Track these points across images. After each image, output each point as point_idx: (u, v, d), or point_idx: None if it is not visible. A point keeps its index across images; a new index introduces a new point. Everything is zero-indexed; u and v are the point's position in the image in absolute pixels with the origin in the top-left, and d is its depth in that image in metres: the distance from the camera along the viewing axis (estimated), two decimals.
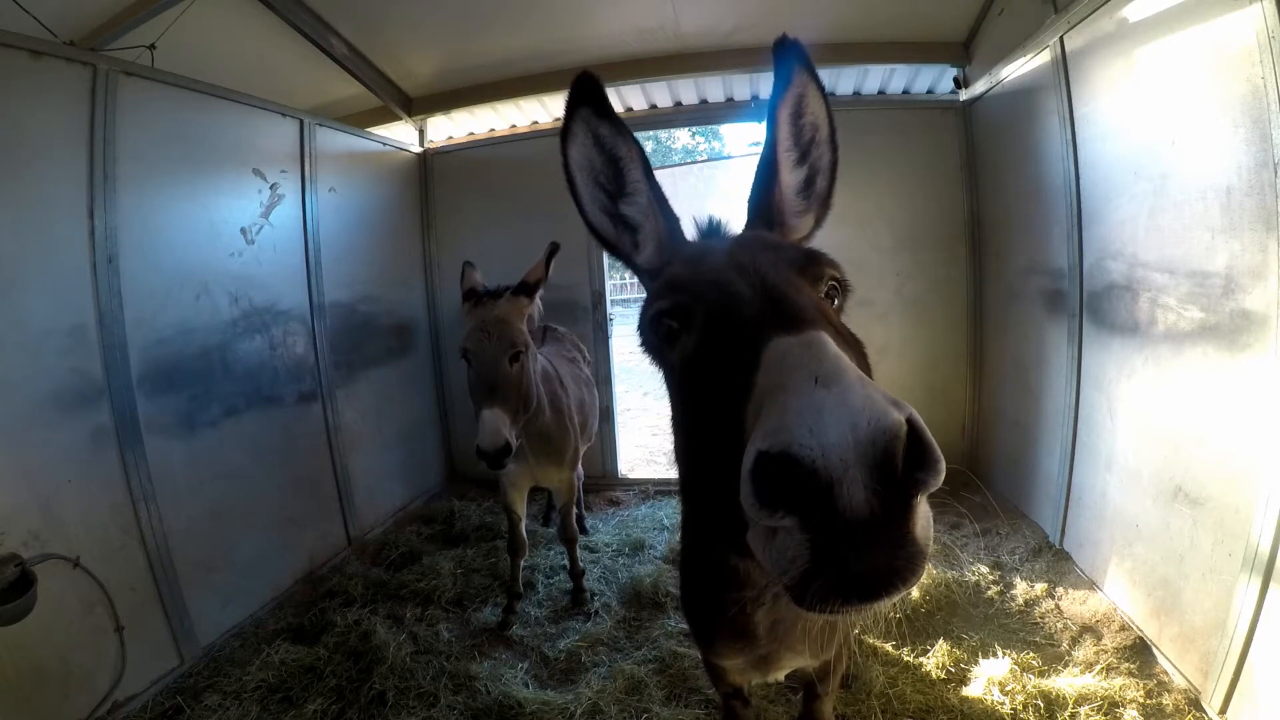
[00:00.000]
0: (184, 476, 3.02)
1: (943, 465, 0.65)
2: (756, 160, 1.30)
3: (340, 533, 4.11)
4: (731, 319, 0.90)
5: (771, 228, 1.27)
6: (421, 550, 4.06)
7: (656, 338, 1.06)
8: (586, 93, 1.15)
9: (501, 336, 2.68)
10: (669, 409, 1.13)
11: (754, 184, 1.30)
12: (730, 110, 5.33)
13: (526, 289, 2.85)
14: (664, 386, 1.15)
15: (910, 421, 0.64)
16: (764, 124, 1.26)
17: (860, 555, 0.63)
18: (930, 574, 3.16)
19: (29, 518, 2.38)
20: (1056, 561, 3.34)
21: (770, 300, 0.89)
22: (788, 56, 1.22)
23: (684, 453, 1.07)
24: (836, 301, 1.11)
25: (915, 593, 3.01)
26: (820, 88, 1.25)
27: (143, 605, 2.78)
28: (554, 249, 2.93)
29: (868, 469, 0.62)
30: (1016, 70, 3.67)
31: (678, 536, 3.59)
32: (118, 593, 2.62)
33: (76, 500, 2.55)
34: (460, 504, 4.70)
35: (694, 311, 0.99)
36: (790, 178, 1.28)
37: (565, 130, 1.17)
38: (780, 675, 1.68)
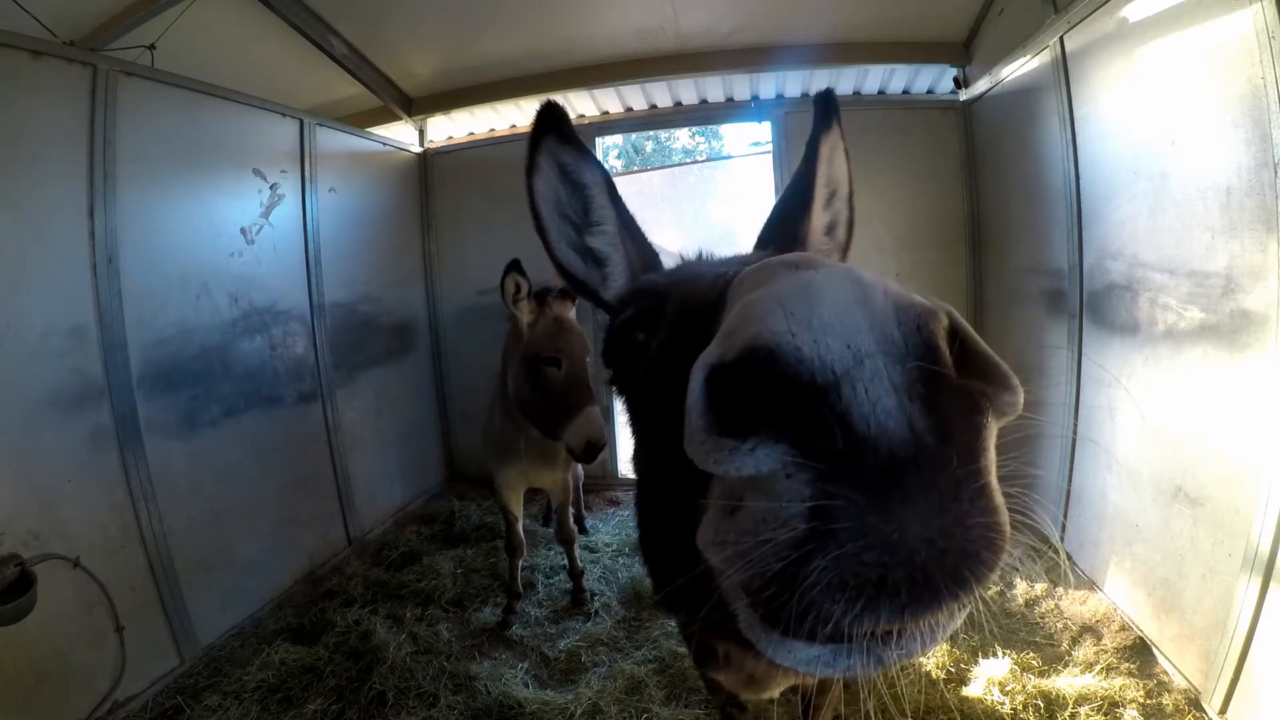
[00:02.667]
0: (184, 476, 3.02)
1: (1016, 383, 0.44)
2: (788, 189, 1.27)
3: (340, 533, 4.11)
4: (705, 296, 0.68)
5: None
6: (421, 550, 4.06)
7: (623, 360, 0.89)
8: (550, 121, 1.10)
9: (581, 336, 2.76)
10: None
11: (777, 211, 1.24)
12: (730, 110, 5.32)
13: (569, 291, 2.87)
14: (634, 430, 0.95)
15: (951, 318, 0.45)
16: (804, 157, 1.25)
17: (903, 508, 0.38)
18: None
19: (29, 518, 2.38)
20: (1057, 561, 3.34)
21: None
22: (831, 108, 1.23)
23: (643, 493, 0.87)
24: None
25: None
26: (846, 150, 1.27)
27: (143, 605, 2.78)
28: None
29: (896, 361, 0.40)
30: (1016, 70, 3.67)
31: None
32: (118, 593, 2.62)
33: (76, 500, 2.55)
34: (460, 504, 4.70)
35: (663, 312, 0.80)
36: (820, 216, 1.26)
37: (530, 163, 1.10)
38: (775, 693, 1.67)
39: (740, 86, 5.07)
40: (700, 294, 0.70)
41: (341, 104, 4.85)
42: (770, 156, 4.98)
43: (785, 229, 1.21)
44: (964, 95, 4.48)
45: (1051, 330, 3.52)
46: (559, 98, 5.05)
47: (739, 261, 0.92)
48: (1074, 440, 3.27)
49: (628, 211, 1.16)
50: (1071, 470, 3.31)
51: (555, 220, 1.13)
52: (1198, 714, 2.27)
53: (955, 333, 0.44)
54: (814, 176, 1.21)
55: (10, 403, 2.36)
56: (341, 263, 4.24)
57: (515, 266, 2.90)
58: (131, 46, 3.14)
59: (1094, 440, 3.12)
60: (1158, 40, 2.48)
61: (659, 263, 1.17)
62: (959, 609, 0.43)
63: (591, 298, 1.16)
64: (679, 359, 0.56)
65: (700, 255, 1.11)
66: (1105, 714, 2.31)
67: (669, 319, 0.77)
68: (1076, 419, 3.24)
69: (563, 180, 1.12)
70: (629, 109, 5.33)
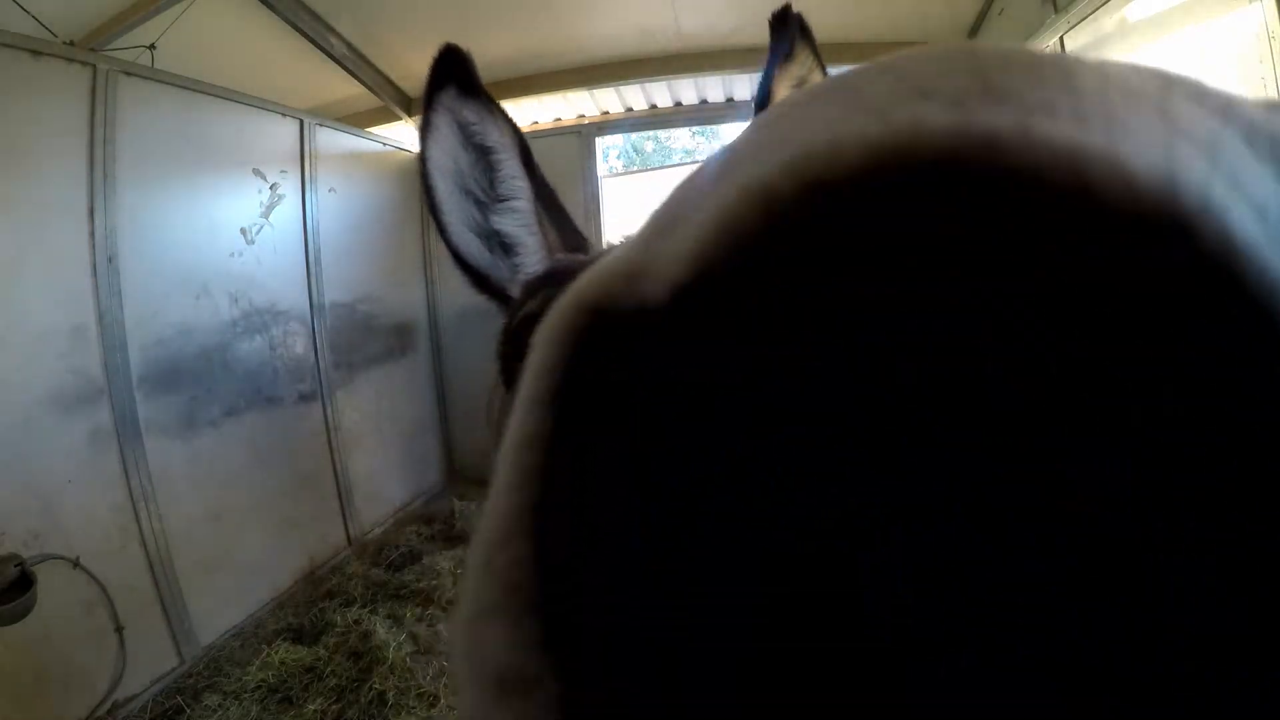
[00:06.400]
0: (184, 476, 3.02)
1: None
2: None
3: (340, 533, 4.11)
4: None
5: None
6: (421, 550, 4.06)
7: (515, 380, 0.53)
8: (449, 69, 0.85)
9: None
10: None
11: None
12: (730, 110, 5.32)
13: None
14: None
15: None
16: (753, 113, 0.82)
17: None
18: None
19: (29, 518, 2.38)
20: None
21: None
22: (789, 30, 0.86)
23: None
24: None
25: None
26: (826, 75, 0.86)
27: (143, 605, 2.78)
28: None
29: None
30: None
31: None
32: (118, 593, 2.62)
33: (76, 500, 2.55)
34: (460, 504, 4.69)
35: None
36: None
37: (425, 123, 0.88)
38: None
39: (740, 86, 5.06)
40: None
41: (341, 104, 4.86)
42: None
43: None
44: None
45: None
46: (558, 98, 5.09)
47: None
48: None
49: (546, 184, 0.91)
50: None
51: (454, 196, 0.90)
52: None
53: None
54: None
55: (10, 403, 2.36)
56: (341, 263, 4.23)
57: None
58: (131, 46, 3.14)
59: None
60: (1158, 40, 2.48)
61: (587, 249, 0.90)
62: None
63: (496, 295, 0.88)
64: None
65: None
66: None
67: None
68: None
69: (464, 145, 0.89)
70: (629, 109, 5.32)
